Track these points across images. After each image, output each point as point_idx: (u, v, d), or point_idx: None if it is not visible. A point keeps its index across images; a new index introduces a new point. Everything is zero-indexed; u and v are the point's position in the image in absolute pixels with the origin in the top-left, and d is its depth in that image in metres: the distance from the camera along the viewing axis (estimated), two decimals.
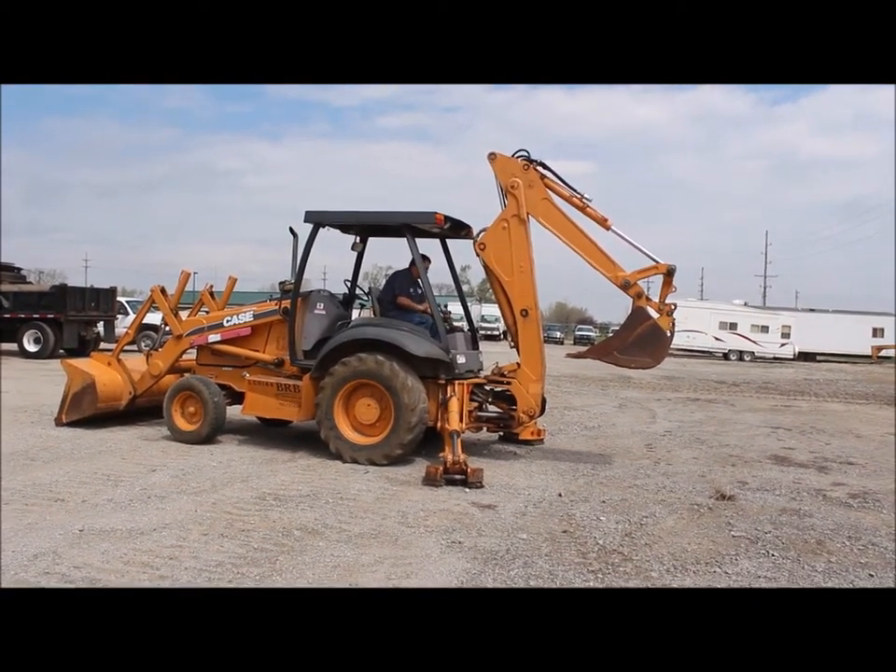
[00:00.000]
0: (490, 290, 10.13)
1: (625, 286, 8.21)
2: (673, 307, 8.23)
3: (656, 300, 8.33)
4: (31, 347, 21.19)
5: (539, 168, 8.42)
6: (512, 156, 8.47)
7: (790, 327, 41.76)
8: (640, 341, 8.17)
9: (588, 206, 8.37)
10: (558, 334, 60.57)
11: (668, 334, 8.23)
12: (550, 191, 8.41)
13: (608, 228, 8.33)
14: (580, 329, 65.61)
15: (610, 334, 10.75)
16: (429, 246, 9.18)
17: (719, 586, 4.74)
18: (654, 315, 8.23)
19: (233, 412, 9.40)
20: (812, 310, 48.03)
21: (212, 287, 10.47)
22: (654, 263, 8.22)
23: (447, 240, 9.38)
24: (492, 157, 8.49)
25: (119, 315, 23.46)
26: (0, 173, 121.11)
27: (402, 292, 8.92)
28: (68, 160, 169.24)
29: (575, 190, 8.43)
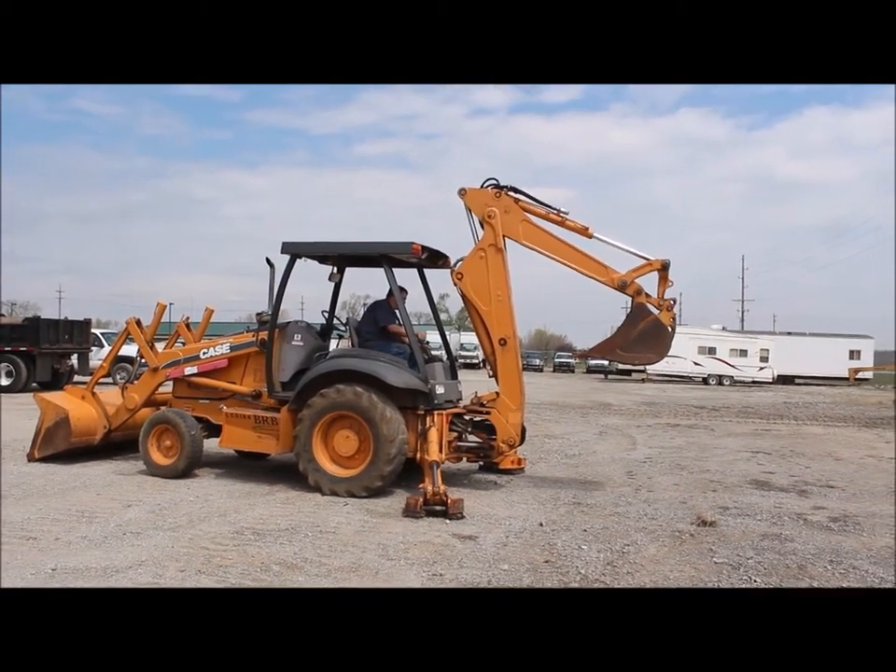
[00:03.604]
0: (468, 318, 10.13)
1: (623, 286, 8.22)
2: (672, 302, 8.25)
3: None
4: (3, 381, 20.89)
5: (511, 193, 8.48)
6: (482, 186, 8.53)
7: (768, 350, 42.15)
8: (642, 337, 8.19)
9: (566, 220, 8.44)
10: (537, 361, 60.49)
11: (670, 329, 8.24)
12: (526, 213, 8.47)
13: (590, 236, 8.39)
14: (559, 357, 65.54)
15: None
16: (407, 276, 9.20)
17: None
18: (654, 311, 8.23)
19: (210, 445, 9.29)
20: (790, 333, 48.54)
21: (188, 318, 10.43)
22: (647, 261, 8.26)
23: (425, 269, 9.40)
24: (462, 192, 8.56)
25: (93, 348, 23.28)
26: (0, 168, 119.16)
27: (388, 321, 8.91)
28: (41, 188, 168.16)
29: (550, 207, 8.50)
